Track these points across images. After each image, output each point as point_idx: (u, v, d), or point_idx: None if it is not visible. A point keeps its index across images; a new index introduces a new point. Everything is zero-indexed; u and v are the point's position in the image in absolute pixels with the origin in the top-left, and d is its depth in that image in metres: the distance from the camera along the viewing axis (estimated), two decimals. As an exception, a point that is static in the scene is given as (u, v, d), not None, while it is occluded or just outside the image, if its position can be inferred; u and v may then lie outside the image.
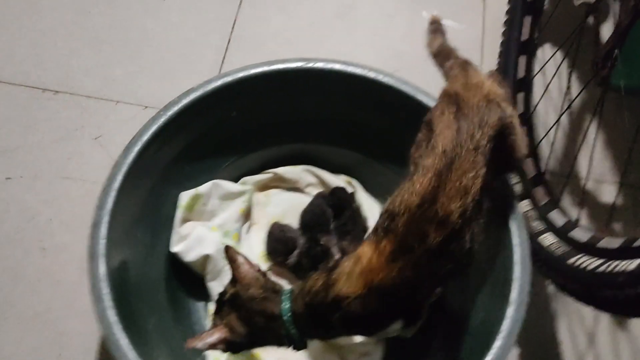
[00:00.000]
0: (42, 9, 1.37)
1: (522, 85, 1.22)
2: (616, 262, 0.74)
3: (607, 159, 1.24)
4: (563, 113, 1.08)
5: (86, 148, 1.20)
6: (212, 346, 0.77)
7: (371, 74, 1.00)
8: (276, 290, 0.81)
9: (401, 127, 1.04)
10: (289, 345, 0.79)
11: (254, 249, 1.08)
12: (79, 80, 1.28)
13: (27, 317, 1.03)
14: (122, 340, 0.77)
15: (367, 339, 1.00)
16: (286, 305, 0.77)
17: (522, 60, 1.24)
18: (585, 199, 1.17)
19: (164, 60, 1.33)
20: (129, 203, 0.92)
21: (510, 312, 0.81)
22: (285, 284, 1.04)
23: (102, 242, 0.84)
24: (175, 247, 1.01)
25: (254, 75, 1.00)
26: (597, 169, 1.23)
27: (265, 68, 1.00)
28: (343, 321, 0.75)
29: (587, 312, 1.08)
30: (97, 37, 1.34)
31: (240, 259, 0.82)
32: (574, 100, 1.18)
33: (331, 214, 1.09)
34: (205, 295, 1.03)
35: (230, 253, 0.83)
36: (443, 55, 0.92)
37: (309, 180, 1.15)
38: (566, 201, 1.13)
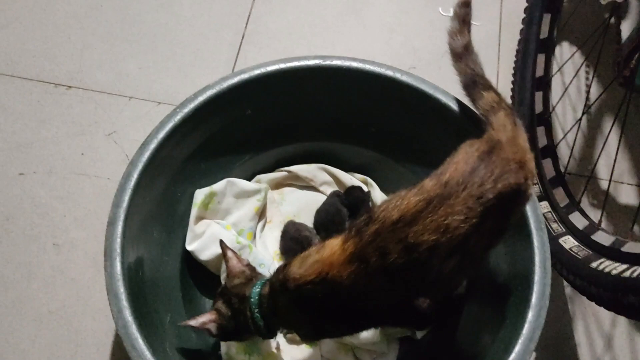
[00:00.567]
0: (55, 3, 1.37)
1: (540, 84, 1.20)
2: (641, 268, 0.73)
3: (625, 160, 1.22)
4: (584, 113, 1.07)
5: (100, 144, 1.19)
6: (203, 325, 0.82)
7: (389, 72, 0.99)
8: (255, 278, 0.85)
9: (418, 126, 1.04)
10: (256, 331, 0.82)
11: (269, 248, 1.07)
12: (92, 75, 1.27)
13: (42, 313, 1.03)
14: (138, 339, 0.76)
15: (379, 338, 0.99)
16: (256, 288, 0.81)
17: (541, 59, 1.22)
18: (605, 200, 1.15)
19: (178, 55, 1.32)
20: (144, 201, 0.91)
21: (530, 316, 0.80)
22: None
23: (118, 241, 0.83)
24: (190, 246, 1.00)
25: (270, 72, 0.99)
26: (616, 170, 1.21)
27: (282, 65, 0.99)
28: (292, 304, 0.76)
29: (605, 314, 1.07)
30: (110, 31, 1.34)
31: (229, 253, 0.88)
32: (595, 101, 1.16)
33: (346, 213, 1.08)
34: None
35: (222, 247, 0.89)
36: (472, 76, 0.85)
37: (324, 179, 1.14)
38: (584, 202, 1.12)
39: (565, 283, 1.02)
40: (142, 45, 1.32)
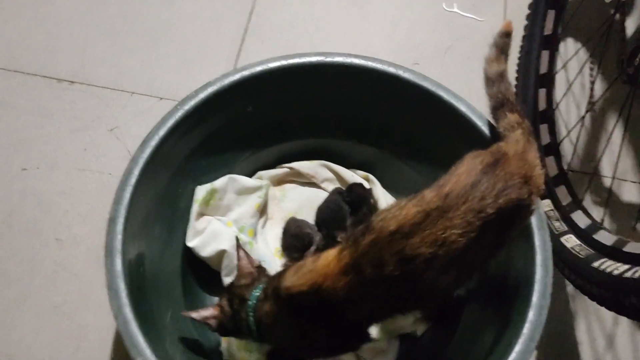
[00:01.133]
0: (57, -2, 1.37)
1: (544, 81, 1.19)
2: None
3: (629, 157, 1.21)
4: (588, 111, 1.06)
5: (102, 139, 1.19)
6: (205, 319, 0.84)
7: (391, 70, 0.98)
8: (259, 280, 0.85)
9: (420, 123, 1.03)
10: (249, 335, 0.82)
11: (270, 245, 1.07)
12: (94, 70, 1.27)
13: (45, 309, 1.03)
14: (138, 337, 0.76)
15: (380, 335, 0.99)
16: (256, 292, 0.82)
17: (545, 56, 1.21)
18: (609, 199, 1.15)
19: (180, 50, 1.32)
20: (145, 197, 0.91)
21: (531, 315, 0.80)
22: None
23: (118, 238, 0.83)
24: (191, 242, 1.00)
25: (271, 69, 0.98)
26: (619, 167, 1.21)
27: (283, 62, 0.99)
28: (283, 312, 0.76)
29: (607, 312, 1.06)
30: (112, 27, 1.34)
31: (241, 253, 0.89)
32: (600, 98, 1.15)
33: (348, 210, 1.08)
34: (221, 291, 1.03)
35: (237, 246, 0.91)
36: (502, 99, 0.84)
37: (326, 176, 1.14)
38: (587, 200, 1.11)
39: (567, 281, 1.02)
40: (144, 41, 1.32)
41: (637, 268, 0.73)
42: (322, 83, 1.02)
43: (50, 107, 1.22)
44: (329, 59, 0.99)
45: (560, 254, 0.92)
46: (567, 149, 1.14)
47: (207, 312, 0.84)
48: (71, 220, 1.11)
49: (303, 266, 0.76)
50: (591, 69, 1.23)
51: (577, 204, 0.98)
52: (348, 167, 1.15)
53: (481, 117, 0.95)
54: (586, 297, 0.88)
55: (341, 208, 1.08)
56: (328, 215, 1.07)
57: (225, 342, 0.95)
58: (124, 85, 1.25)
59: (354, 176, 1.13)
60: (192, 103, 0.95)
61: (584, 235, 0.91)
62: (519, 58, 1.26)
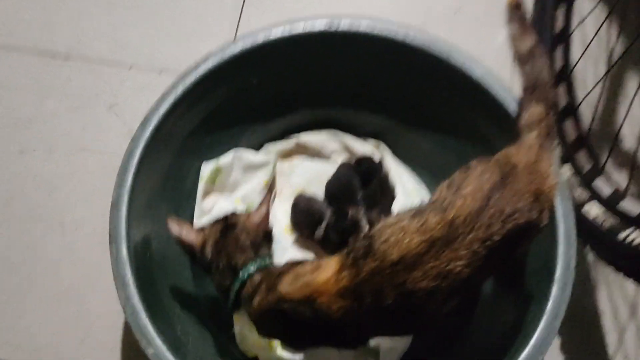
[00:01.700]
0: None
1: (560, 40, 1.13)
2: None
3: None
4: (608, 72, 1.00)
5: (101, 117, 1.15)
6: (180, 240, 0.81)
7: (399, 36, 0.93)
8: (259, 253, 0.80)
9: (431, 91, 0.98)
10: (222, 297, 0.80)
11: (279, 221, 1.04)
12: (90, 45, 1.22)
13: (50, 296, 1.01)
14: (148, 327, 0.75)
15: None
16: (251, 267, 0.77)
17: (560, 12, 1.15)
18: (633, 165, 1.10)
19: (179, 21, 1.25)
20: (149, 178, 0.88)
21: (554, 291, 0.77)
22: (311, 258, 1.01)
23: (122, 224, 0.81)
24: (199, 222, 0.97)
25: (274, 40, 0.93)
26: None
27: (287, 29, 0.93)
28: (277, 310, 0.73)
29: (629, 281, 1.03)
30: (106, -2, 1.27)
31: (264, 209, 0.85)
32: (620, 58, 1.09)
33: (358, 183, 1.04)
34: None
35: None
36: (534, 81, 0.79)
37: (334, 147, 1.10)
38: (610, 166, 1.06)
39: (586, 249, 0.98)
40: (141, 12, 1.26)
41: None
42: (328, 50, 0.97)
43: (47, 86, 1.17)
44: (334, 25, 0.94)
45: (582, 223, 0.88)
46: (587, 111, 1.08)
47: (189, 236, 0.81)
48: (74, 203, 1.08)
49: (302, 275, 0.72)
50: (610, 26, 1.16)
51: (599, 170, 0.94)
52: (358, 136, 1.11)
53: (497, 81, 0.90)
54: (606, 267, 0.85)
55: (351, 181, 1.03)
56: (338, 189, 1.03)
57: (238, 325, 0.93)
58: (121, 59, 1.20)
59: (363, 146, 1.09)
60: (192, 78, 0.91)
61: (608, 204, 0.87)
62: (532, 15, 1.20)
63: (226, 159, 1.00)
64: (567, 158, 0.99)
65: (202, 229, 0.83)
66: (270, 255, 0.82)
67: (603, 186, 0.91)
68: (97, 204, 1.07)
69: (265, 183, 1.02)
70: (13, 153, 1.11)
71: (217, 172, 0.99)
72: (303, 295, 0.70)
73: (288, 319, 0.72)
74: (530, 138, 0.73)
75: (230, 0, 1.27)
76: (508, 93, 0.87)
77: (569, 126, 1.04)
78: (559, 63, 1.11)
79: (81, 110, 1.15)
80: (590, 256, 1.04)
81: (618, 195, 0.87)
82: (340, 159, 1.09)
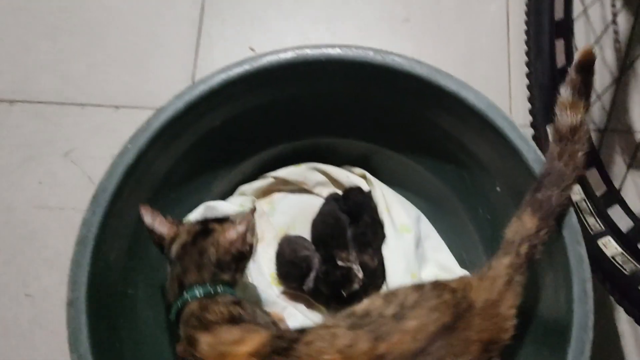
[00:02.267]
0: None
1: (561, 30, 1.00)
2: None
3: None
4: (623, 72, 0.88)
5: (58, 167, 1.04)
6: (151, 230, 0.76)
7: (378, 58, 0.81)
8: (217, 277, 0.73)
9: (414, 112, 0.87)
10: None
11: (264, 272, 0.94)
12: (36, 82, 1.09)
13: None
14: None
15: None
16: (196, 293, 0.71)
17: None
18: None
19: (131, 43, 1.12)
20: (109, 259, 0.78)
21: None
22: (303, 310, 0.93)
23: (83, 331, 0.71)
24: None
25: (235, 78, 0.81)
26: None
27: (247, 67, 0.82)
28: None
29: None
30: (49, 25, 1.13)
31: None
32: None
33: (346, 220, 0.94)
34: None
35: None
36: (560, 171, 0.68)
37: (317, 179, 0.99)
38: (628, 190, 0.95)
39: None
40: (88, 37, 1.12)
41: None
42: (299, 80, 0.86)
43: (-8, 136, 1.06)
44: (303, 54, 0.82)
45: (598, 261, 0.79)
46: (597, 114, 0.97)
47: (162, 226, 0.76)
48: (38, 269, 0.98)
49: (223, 343, 0.65)
50: (614, 9, 1.03)
51: (615, 196, 0.83)
52: (341, 164, 1.00)
53: (492, 106, 0.79)
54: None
55: (338, 220, 0.94)
56: (325, 231, 0.93)
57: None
58: (72, 96, 1.08)
59: (349, 177, 0.98)
60: (146, 136, 0.79)
61: (627, 242, 0.76)
62: (528, 1, 1.07)
63: (196, 214, 0.90)
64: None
65: (177, 223, 0.78)
66: (228, 284, 0.74)
67: (620, 217, 0.80)
68: (63, 269, 0.95)
69: (243, 235, 0.92)
70: (-34, 217, 1.01)
71: (188, 232, 0.89)
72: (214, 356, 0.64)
73: None
74: (500, 266, 0.65)
75: (185, 10, 1.14)
76: (485, 101, 0.79)
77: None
78: (561, 58, 0.99)
79: (35, 161, 1.04)
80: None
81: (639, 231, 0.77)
82: (325, 192, 0.99)
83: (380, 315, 0.62)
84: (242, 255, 0.75)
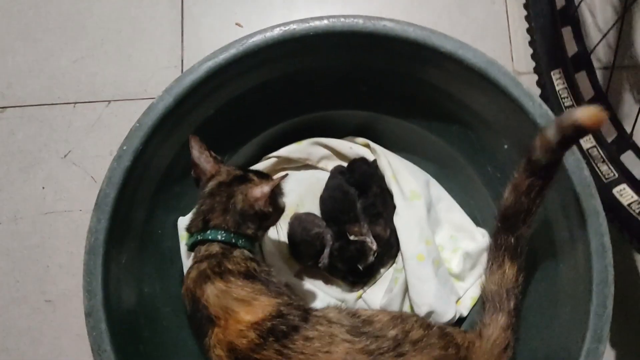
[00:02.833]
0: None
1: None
2: None
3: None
4: (627, 9, 0.84)
5: (59, 170, 1.02)
6: (196, 164, 0.77)
7: (369, 24, 0.78)
8: (240, 228, 0.74)
9: (411, 78, 0.85)
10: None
11: (279, 252, 0.94)
12: (24, 85, 1.06)
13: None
14: None
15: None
16: (218, 236, 0.72)
17: None
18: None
19: (112, 31, 1.08)
20: (120, 263, 0.78)
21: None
22: (321, 286, 0.92)
23: (104, 335, 0.72)
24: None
25: (224, 62, 0.80)
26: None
27: (236, 50, 0.79)
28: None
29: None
30: (25, 24, 1.09)
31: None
32: None
33: (355, 194, 0.93)
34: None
35: None
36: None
37: (321, 154, 0.97)
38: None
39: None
40: (67, 32, 1.08)
41: None
42: (292, 57, 0.84)
43: (-12, 145, 1.05)
44: (290, 30, 0.79)
45: (615, 210, 0.77)
46: (601, 55, 0.93)
47: (206, 163, 0.77)
48: (54, 275, 0.99)
49: (231, 298, 0.67)
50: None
51: (626, 140, 0.80)
52: (343, 136, 0.98)
53: (492, 64, 0.76)
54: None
55: (347, 194, 0.92)
56: (334, 207, 0.92)
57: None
58: (62, 95, 1.05)
59: (352, 148, 0.96)
60: (140, 135, 0.77)
61: (643, 189, 0.74)
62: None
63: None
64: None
65: (220, 162, 0.79)
66: (249, 239, 0.75)
67: (633, 163, 0.78)
68: (79, 271, 0.97)
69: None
70: (-25, 232, 1.01)
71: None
72: (215, 313, 0.66)
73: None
74: (498, 328, 0.69)
75: (164, 4, 1.09)
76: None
77: (582, 81, 0.89)
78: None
79: (35, 167, 1.03)
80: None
81: (654, 177, 0.75)
82: (330, 165, 0.97)
83: (382, 333, 0.63)
84: (264, 215, 0.75)
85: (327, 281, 0.93)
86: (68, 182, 1.02)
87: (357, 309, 0.69)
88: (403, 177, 0.92)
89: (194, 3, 1.09)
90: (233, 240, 0.72)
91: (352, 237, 0.87)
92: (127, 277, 0.79)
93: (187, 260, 0.87)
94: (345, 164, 0.97)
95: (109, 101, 1.04)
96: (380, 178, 0.93)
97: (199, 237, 0.73)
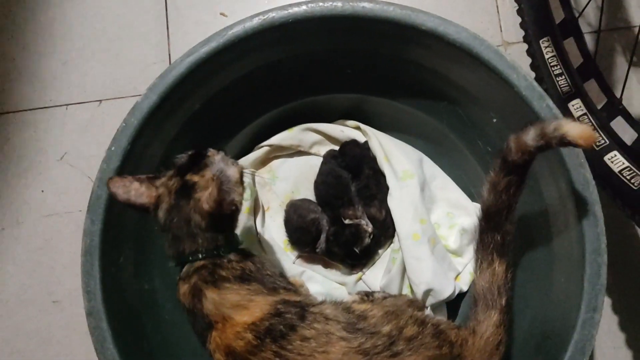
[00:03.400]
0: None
1: None
2: None
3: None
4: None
5: (56, 173, 1.03)
6: (130, 204, 0.71)
7: (346, 8, 0.77)
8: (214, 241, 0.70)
9: (390, 51, 0.84)
10: None
11: (276, 239, 0.94)
12: (16, 89, 1.07)
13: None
14: None
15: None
16: (199, 257, 0.69)
17: None
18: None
19: (99, 31, 1.08)
20: (120, 254, 0.79)
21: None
22: (321, 270, 0.93)
23: (107, 333, 0.73)
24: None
25: (205, 56, 0.79)
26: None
27: (215, 44, 0.79)
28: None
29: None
30: (10, 29, 1.09)
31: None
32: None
33: (348, 177, 0.93)
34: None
35: None
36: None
37: (312, 139, 0.97)
38: (630, 97, 0.90)
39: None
40: (54, 34, 1.09)
41: None
42: (269, 46, 0.83)
43: (-15, 152, 1.06)
44: (269, 20, 0.79)
45: (607, 179, 0.76)
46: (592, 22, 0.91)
47: (140, 196, 0.71)
48: (59, 276, 1.00)
49: (227, 305, 0.66)
50: None
51: (616, 107, 0.79)
52: (332, 120, 0.97)
53: (475, 38, 0.75)
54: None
55: (340, 178, 0.92)
56: (327, 192, 0.92)
57: None
58: (54, 98, 1.06)
59: (343, 131, 0.96)
60: (127, 134, 0.78)
61: (633, 155, 0.74)
62: None
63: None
64: (574, 91, 0.85)
65: (154, 182, 0.72)
66: (228, 242, 0.72)
67: (623, 129, 0.77)
68: None
69: (247, 211, 0.92)
70: (-19, 241, 1.03)
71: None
72: (214, 318, 0.66)
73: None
74: (491, 325, 0.69)
75: (151, 7, 1.09)
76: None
77: (571, 48, 0.88)
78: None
79: (32, 171, 1.04)
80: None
81: (644, 142, 0.74)
82: (322, 150, 0.97)
83: (376, 329, 0.64)
84: (232, 212, 0.72)
85: (326, 265, 0.94)
86: (66, 183, 1.03)
87: (351, 303, 0.70)
88: (395, 157, 0.92)
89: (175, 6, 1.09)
90: (215, 253, 0.70)
91: (346, 221, 0.88)
92: (125, 276, 0.80)
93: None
94: (337, 148, 0.96)
95: (100, 100, 1.05)
96: (372, 159, 0.93)
97: (182, 260, 0.71)
